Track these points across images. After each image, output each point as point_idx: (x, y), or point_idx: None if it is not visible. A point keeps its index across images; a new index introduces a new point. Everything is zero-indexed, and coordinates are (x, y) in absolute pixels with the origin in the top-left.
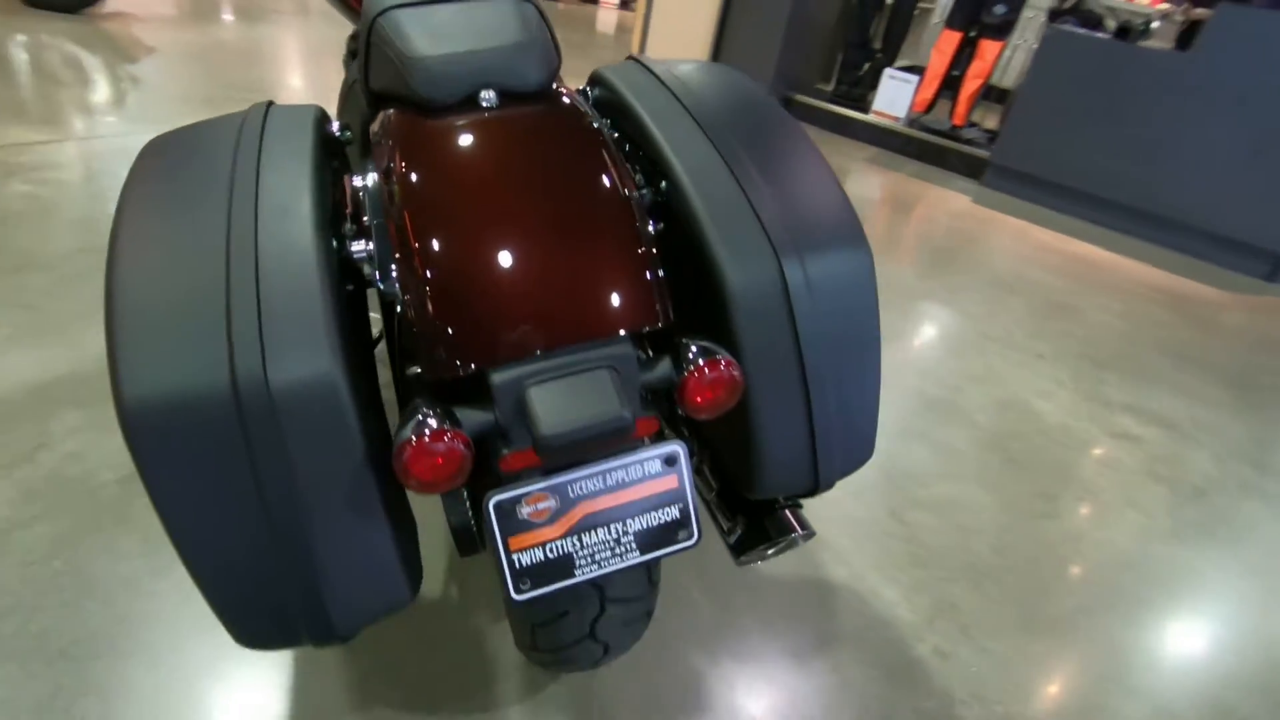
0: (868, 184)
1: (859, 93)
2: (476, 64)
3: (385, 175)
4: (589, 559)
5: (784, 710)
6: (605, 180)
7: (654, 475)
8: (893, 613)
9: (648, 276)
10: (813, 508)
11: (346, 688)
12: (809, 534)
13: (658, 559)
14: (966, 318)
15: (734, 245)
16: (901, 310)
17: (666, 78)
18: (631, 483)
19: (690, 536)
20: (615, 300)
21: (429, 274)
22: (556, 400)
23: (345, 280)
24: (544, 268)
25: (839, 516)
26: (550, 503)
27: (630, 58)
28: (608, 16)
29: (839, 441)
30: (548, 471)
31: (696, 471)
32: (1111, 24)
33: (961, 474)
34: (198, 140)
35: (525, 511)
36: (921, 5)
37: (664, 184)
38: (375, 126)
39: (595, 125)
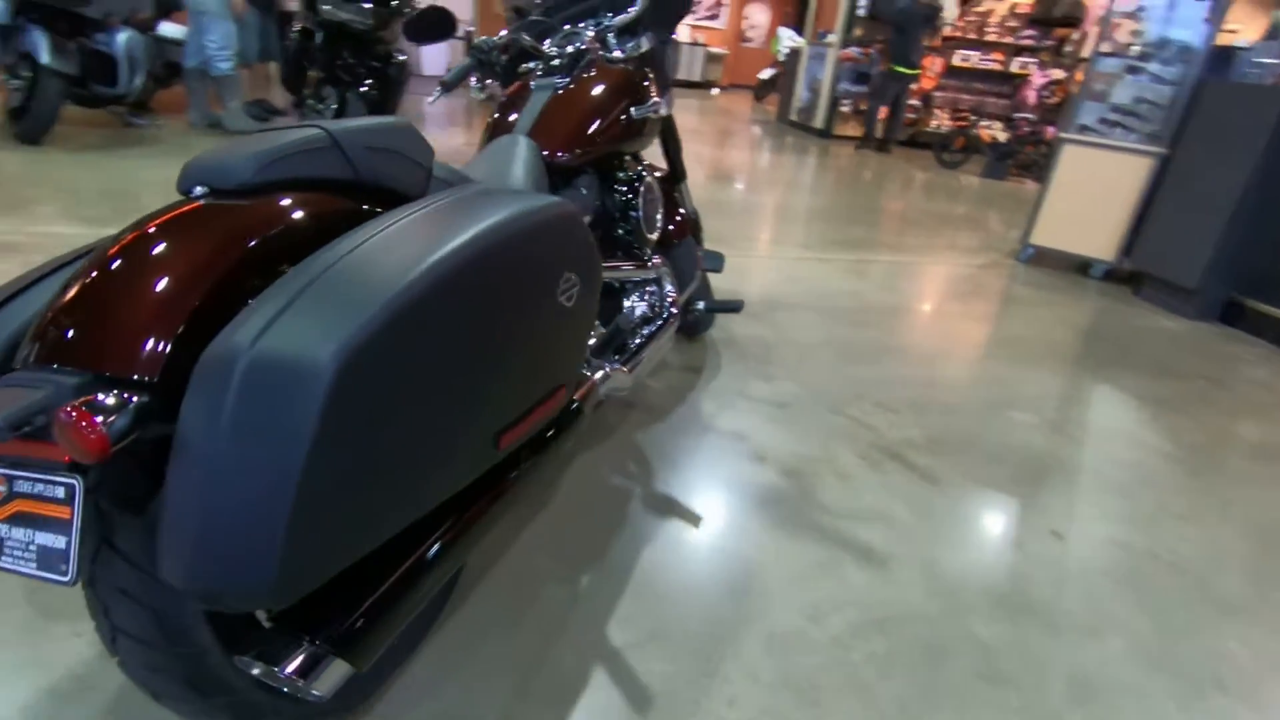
0: None
1: None
2: (200, 166)
3: None
4: (11, 551)
5: None
6: (191, 252)
7: (56, 500)
8: None
9: (147, 334)
10: None
11: None
12: (310, 694)
13: (36, 578)
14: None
15: (250, 315)
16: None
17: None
18: (46, 499)
19: (65, 573)
20: (100, 345)
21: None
22: None
23: None
24: (71, 310)
25: None
26: (3, 488)
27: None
28: None
29: (217, 549)
30: (15, 464)
31: None
32: None
33: None
34: None
35: None
36: None
37: None
38: None
39: (259, 218)
